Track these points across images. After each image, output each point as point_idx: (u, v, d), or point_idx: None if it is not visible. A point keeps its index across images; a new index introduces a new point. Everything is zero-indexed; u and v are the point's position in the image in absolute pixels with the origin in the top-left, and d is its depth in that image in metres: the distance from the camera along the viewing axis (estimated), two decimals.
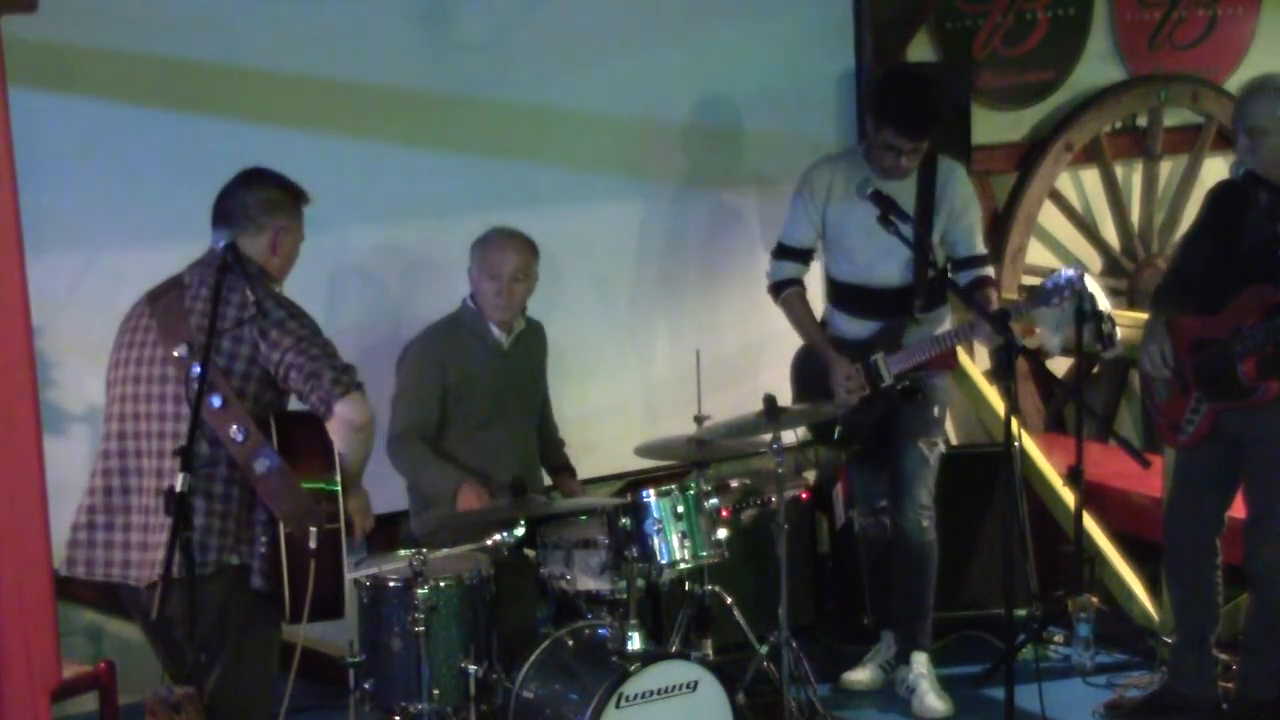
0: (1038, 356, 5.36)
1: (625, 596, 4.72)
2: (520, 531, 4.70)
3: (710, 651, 4.96)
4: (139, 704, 3.86)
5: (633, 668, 4.42)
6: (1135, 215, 7.22)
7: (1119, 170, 7.16)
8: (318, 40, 5.49)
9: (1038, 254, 7.01)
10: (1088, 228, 7.15)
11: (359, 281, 5.67)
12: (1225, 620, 5.22)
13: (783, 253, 5.53)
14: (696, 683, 4.50)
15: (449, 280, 5.44)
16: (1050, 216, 7.04)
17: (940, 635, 5.68)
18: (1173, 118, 7.20)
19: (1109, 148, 7.07)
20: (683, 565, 4.81)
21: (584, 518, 5.05)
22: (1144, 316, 5.21)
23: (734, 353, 6.22)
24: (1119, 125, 7.13)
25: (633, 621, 4.61)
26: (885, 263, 5.37)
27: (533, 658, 4.62)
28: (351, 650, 4.63)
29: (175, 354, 4.00)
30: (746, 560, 5.57)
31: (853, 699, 5.54)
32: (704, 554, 4.79)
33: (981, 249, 5.48)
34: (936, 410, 5.49)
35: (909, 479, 5.43)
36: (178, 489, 3.68)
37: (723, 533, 4.87)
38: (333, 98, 5.54)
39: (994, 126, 6.88)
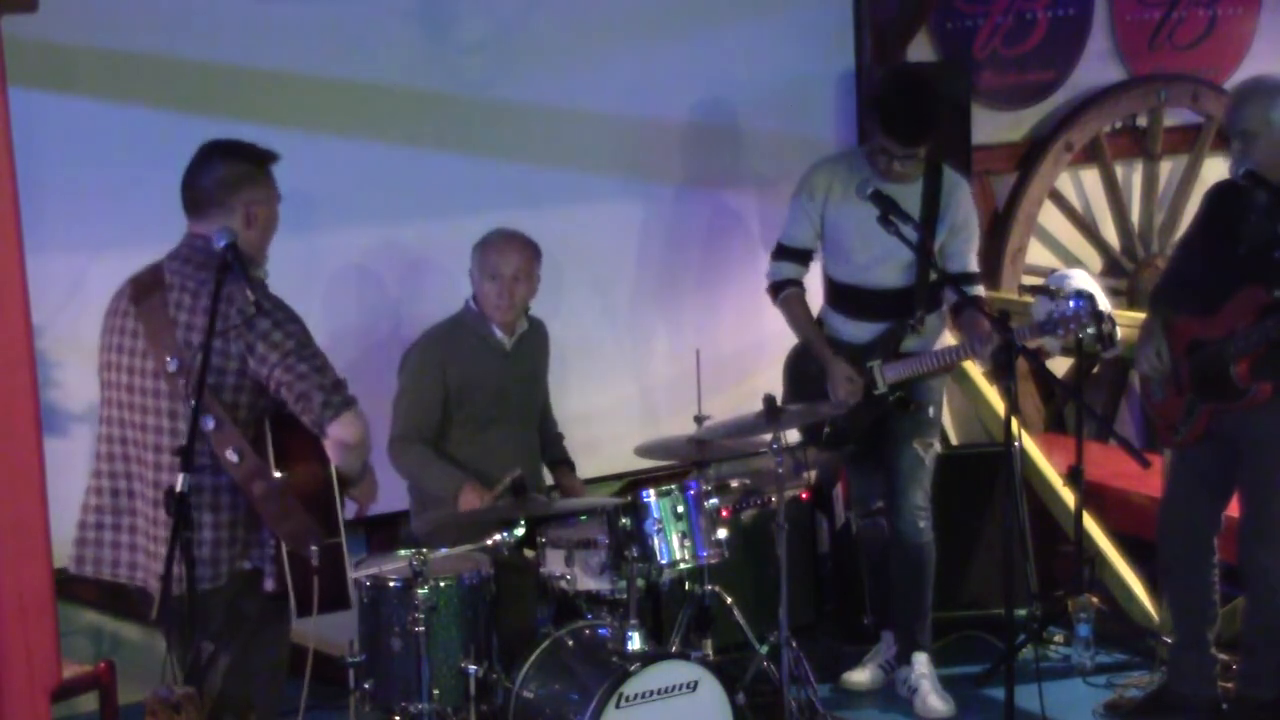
0: (1038, 356, 5.35)
1: (625, 596, 4.72)
2: (520, 531, 4.70)
3: (710, 651, 4.95)
4: (139, 704, 3.86)
5: (633, 668, 4.42)
6: (1135, 215, 7.22)
7: (1119, 170, 7.15)
8: (318, 40, 5.49)
9: (1038, 254, 7.00)
10: (1088, 228, 7.15)
11: (359, 281, 5.67)
12: (1224, 620, 5.22)
13: (782, 253, 5.53)
14: (696, 683, 4.50)
15: (449, 280, 5.44)
16: (1050, 216, 7.04)
17: (940, 635, 5.68)
18: (1173, 118, 7.20)
19: (1109, 148, 7.06)
20: (683, 565, 4.81)
21: (584, 518, 5.04)
22: (1144, 316, 5.21)
23: (734, 353, 6.22)
24: (1119, 125, 7.12)
25: (633, 621, 4.61)
26: (883, 264, 5.36)
27: (533, 658, 4.62)
28: (351, 650, 4.63)
29: (168, 369, 3.91)
30: (746, 560, 5.57)
31: (853, 699, 5.54)
32: (704, 554, 4.79)
33: (975, 267, 5.47)
34: (932, 411, 5.48)
35: (904, 481, 5.43)
36: (178, 489, 3.66)
37: (723, 533, 4.87)
38: (333, 97, 5.54)
39: (994, 126, 6.88)
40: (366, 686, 4.60)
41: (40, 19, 4.22)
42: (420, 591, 4.45)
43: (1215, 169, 6.87)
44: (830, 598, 6.15)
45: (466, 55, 5.75)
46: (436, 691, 4.51)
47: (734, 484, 5.79)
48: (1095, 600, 5.65)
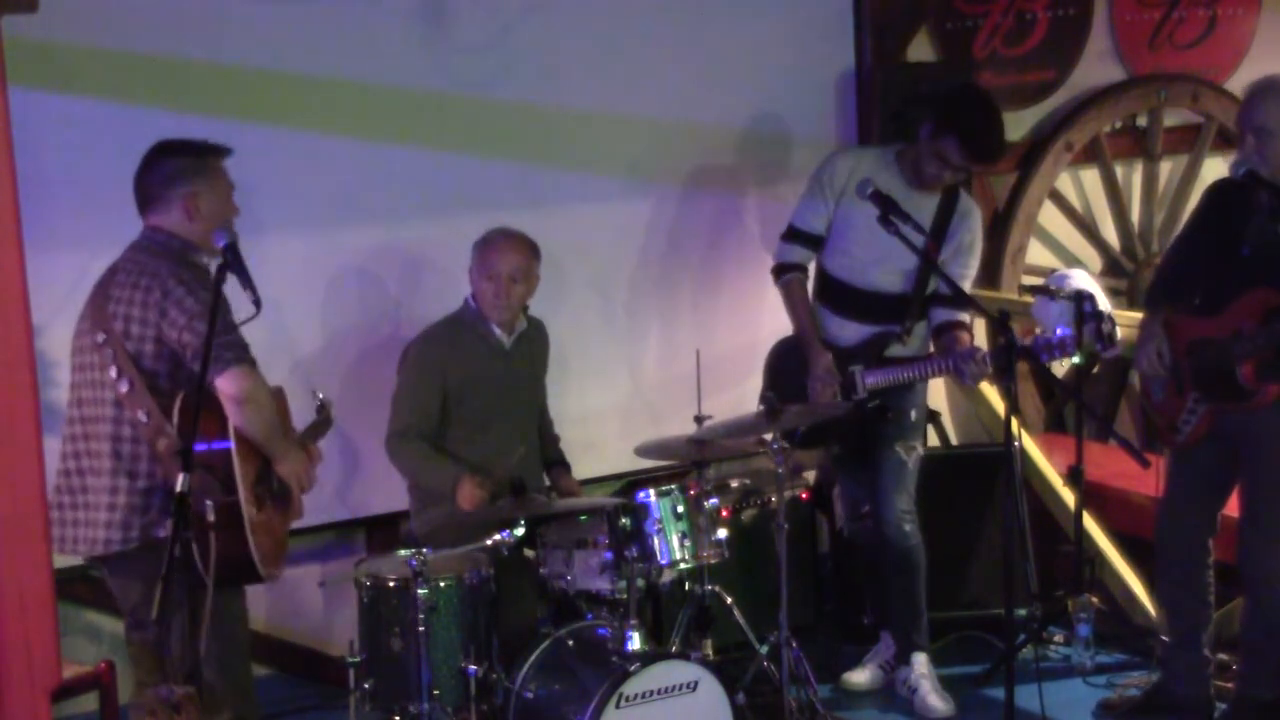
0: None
1: (625, 596, 4.72)
2: (520, 531, 4.70)
3: (710, 651, 4.96)
4: (139, 704, 3.86)
5: (633, 668, 4.42)
6: (1135, 215, 7.22)
7: (1119, 170, 7.15)
8: (318, 40, 5.49)
9: (1038, 254, 7.00)
10: (1088, 228, 7.15)
11: (359, 281, 5.67)
12: (1224, 620, 5.22)
13: (792, 235, 5.50)
14: (696, 683, 4.50)
15: (449, 280, 5.44)
16: (1050, 216, 7.04)
17: (940, 635, 5.69)
18: (1173, 118, 7.20)
19: (1109, 148, 7.06)
20: (683, 565, 4.82)
21: (584, 518, 5.05)
22: (1142, 316, 5.21)
23: (733, 353, 6.22)
24: (1119, 125, 7.12)
25: (633, 621, 4.62)
26: (881, 266, 5.35)
27: (533, 658, 4.62)
28: (351, 650, 4.63)
29: (96, 340, 4.15)
30: (746, 560, 5.57)
31: (853, 699, 5.55)
32: (704, 554, 4.79)
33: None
34: (914, 414, 5.47)
35: (887, 484, 5.43)
36: (178, 489, 3.72)
37: (723, 533, 4.88)
38: (332, 98, 5.53)
39: None
40: (366, 686, 4.60)
41: (40, 19, 4.21)
42: (420, 591, 4.45)
43: (1215, 169, 6.87)
44: (830, 598, 6.15)
45: (466, 55, 5.75)
46: (436, 691, 4.52)
47: (734, 484, 5.79)
48: (1095, 600, 5.65)
